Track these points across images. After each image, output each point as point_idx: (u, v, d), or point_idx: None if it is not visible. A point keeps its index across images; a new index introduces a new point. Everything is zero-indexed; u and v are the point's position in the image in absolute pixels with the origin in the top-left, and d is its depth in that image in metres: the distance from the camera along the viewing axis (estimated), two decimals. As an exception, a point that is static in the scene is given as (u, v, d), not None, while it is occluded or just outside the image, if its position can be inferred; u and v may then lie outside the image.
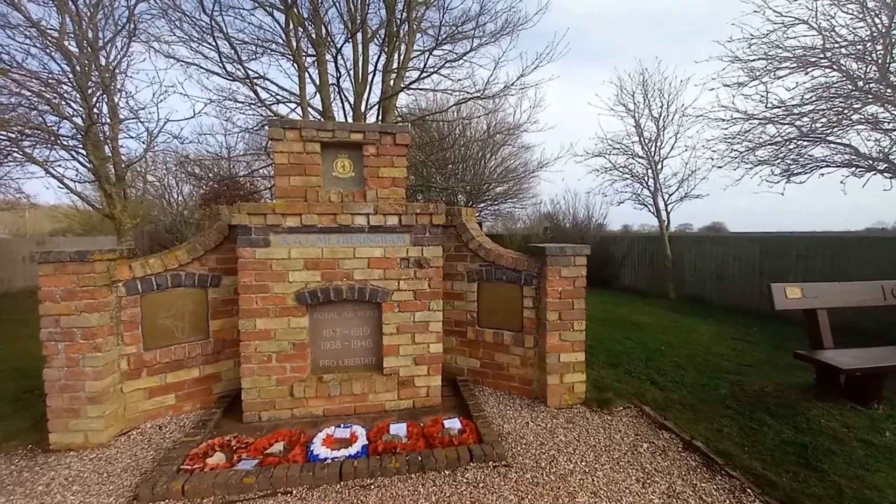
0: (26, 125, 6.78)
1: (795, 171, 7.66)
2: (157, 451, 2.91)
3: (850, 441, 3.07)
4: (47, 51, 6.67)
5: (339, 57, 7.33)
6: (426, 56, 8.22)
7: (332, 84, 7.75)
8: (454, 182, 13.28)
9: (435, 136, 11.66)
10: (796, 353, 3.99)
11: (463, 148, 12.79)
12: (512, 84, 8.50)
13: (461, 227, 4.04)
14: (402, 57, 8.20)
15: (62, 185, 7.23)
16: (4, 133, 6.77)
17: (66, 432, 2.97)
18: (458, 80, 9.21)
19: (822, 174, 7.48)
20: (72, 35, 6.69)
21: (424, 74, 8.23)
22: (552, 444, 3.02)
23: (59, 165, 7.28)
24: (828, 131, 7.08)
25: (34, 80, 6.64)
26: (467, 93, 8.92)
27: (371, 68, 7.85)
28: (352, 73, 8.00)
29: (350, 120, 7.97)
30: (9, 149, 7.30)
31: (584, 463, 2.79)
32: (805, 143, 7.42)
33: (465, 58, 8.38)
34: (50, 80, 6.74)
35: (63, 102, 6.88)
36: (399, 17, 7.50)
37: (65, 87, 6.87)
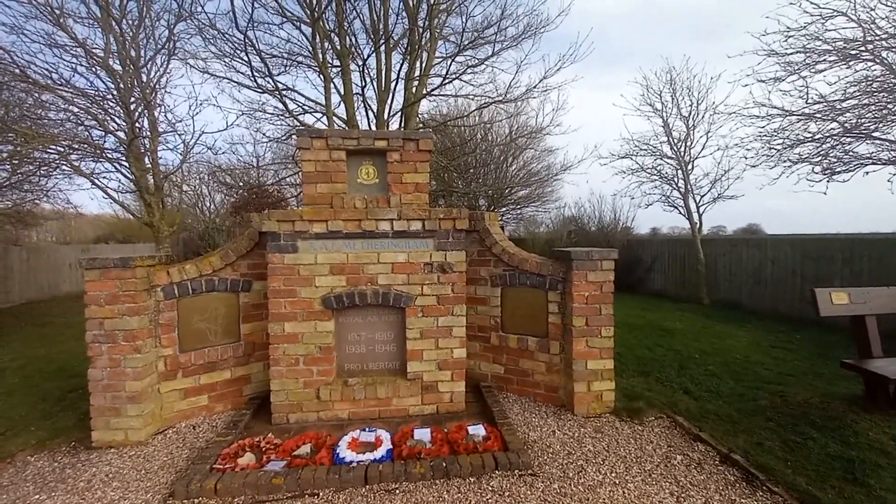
0: (74, 139, 7.25)
1: (838, 170, 7.26)
2: (191, 450, 3.01)
3: (901, 455, 2.86)
4: (93, 69, 7.13)
5: (364, 67, 7.49)
6: (448, 62, 8.30)
7: (357, 93, 7.91)
8: (476, 186, 13.26)
9: (457, 141, 11.72)
10: (843, 361, 3.76)
11: (485, 152, 12.78)
12: (534, 87, 8.45)
13: (484, 231, 4.02)
14: (424, 64, 8.29)
15: (106, 196, 7.69)
16: (54, 147, 7.25)
17: (108, 430, 3.12)
18: (480, 84, 9.30)
19: (868, 172, 7.06)
20: (116, 54, 7.13)
21: (446, 81, 8.30)
22: (580, 453, 2.95)
23: (104, 177, 7.76)
24: (872, 127, 6.68)
25: (81, 97, 7.10)
26: (489, 97, 8.93)
27: (394, 77, 7.98)
28: (375, 82, 8.15)
29: (373, 127, 8.11)
30: (58, 162, 7.82)
31: (613, 474, 2.70)
32: (848, 139, 7.02)
33: (486, 63, 8.41)
34: (96, 97, 7.19)
35: (108, 118, 7.32)
36: (421, 25, 7.60)
37: (109, 103, 7.31)
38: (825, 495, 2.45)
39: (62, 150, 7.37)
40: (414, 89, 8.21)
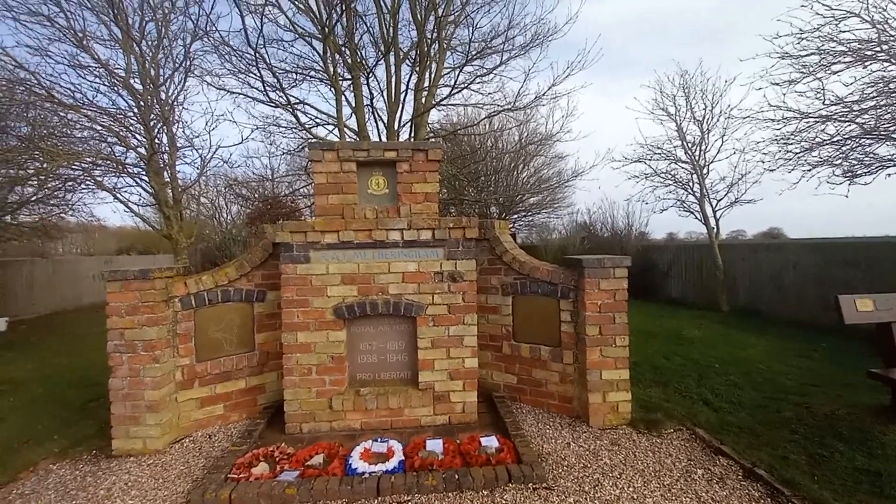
0: (97, 156, 7.52)
1: (859, 172, 7.05)
2: (206, 459, 3.05)
3: (931, 469, 2.73)
4: (115, 88, 7.41)
5: (373, 79, 7.64)
6: (456, 73, 8.39)
7: (367, 105, 8.05)
8: (486, 194, 13.28)
9: (467, 150, 11.78)
10: (870, 371, 3.61)
11: (495, 160, 12.81)
12: (543, 94, 8.48)
13: (494, 240, 4.01)
14: (432, 75, 8.40)
15: (127, 209, 7.94)
16: (78, 164, 7.52)
17: (127, 439, 3.18)
18: (489, 93, 9.33)
19: (889, 174, 6.84)
20: (136, 73, 7.40)
21: (455, 90, 8.38)
22: (596, 466, 2.88)
23: (125, 191, 8.02)
24: (893, 128, 6.49)
25: (104, 116, 7.37)
26: (498, 106, 8.99)
27: (403, 88, 8.10)
28: (385, 93, 8.29)
29: (384, 138, 8.22)
30: (82, 177, 8.11)
31: (631, 489, 2.63)
32: (868, 140, 6.83)
33: (494, 72, 8.48)
34: (118, 115, 7.46)
35: (129, 134, 7.58)
36: (429, 36, 7.71)
37: (130, 120, 7.58)
38: (855, 512, 2.35)
39: (86, 166, 7.65)
40: (423, 99, 8.31)
